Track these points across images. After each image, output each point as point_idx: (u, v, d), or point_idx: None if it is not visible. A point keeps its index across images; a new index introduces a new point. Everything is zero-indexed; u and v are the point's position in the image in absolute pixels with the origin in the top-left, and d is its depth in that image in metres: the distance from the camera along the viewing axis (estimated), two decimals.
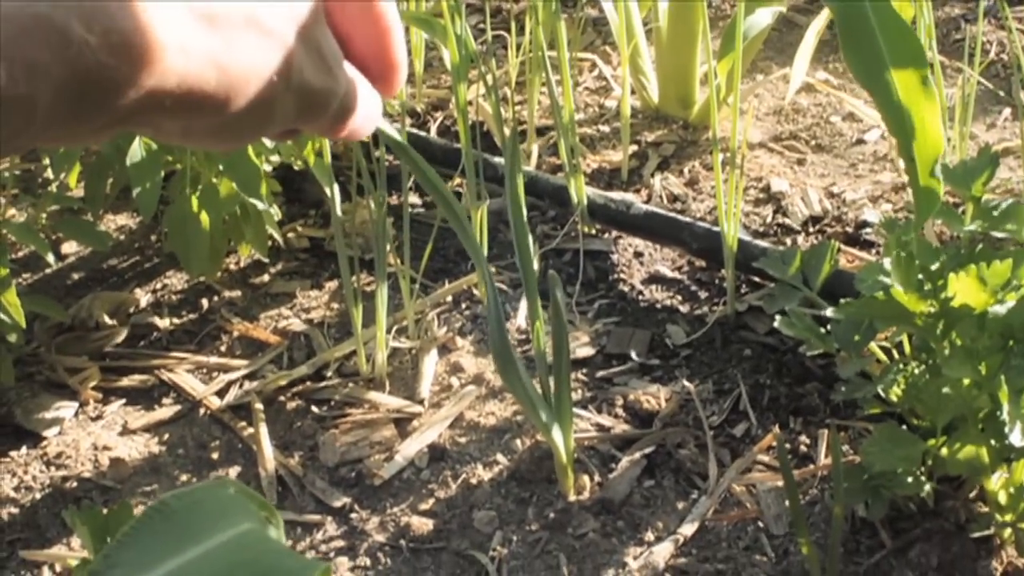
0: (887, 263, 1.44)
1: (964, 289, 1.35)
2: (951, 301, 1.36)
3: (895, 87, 1.48)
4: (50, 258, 1.85)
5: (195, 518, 0.91)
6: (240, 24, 0.50)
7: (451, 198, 1.31)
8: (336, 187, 1.76)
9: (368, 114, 0.62)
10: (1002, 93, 2.43)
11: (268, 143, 1.75)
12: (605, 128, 2.41)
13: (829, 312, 1.49)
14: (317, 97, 0.57)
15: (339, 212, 1.76)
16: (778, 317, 1.58)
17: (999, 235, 1.62)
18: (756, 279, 1.95)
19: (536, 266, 1.71)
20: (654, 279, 2.02)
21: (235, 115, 0.52)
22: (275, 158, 1.89)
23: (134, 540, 0.86)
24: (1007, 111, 2.41)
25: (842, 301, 1.44)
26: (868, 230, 2.07)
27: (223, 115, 0.52)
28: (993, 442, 1.44)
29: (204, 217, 1.84)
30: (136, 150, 1.77)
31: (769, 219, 2.13)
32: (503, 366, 1.48)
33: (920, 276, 1.40)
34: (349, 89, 0.59)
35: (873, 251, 2.02)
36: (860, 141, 2.36)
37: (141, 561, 0.85)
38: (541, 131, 2.35)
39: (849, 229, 2.09)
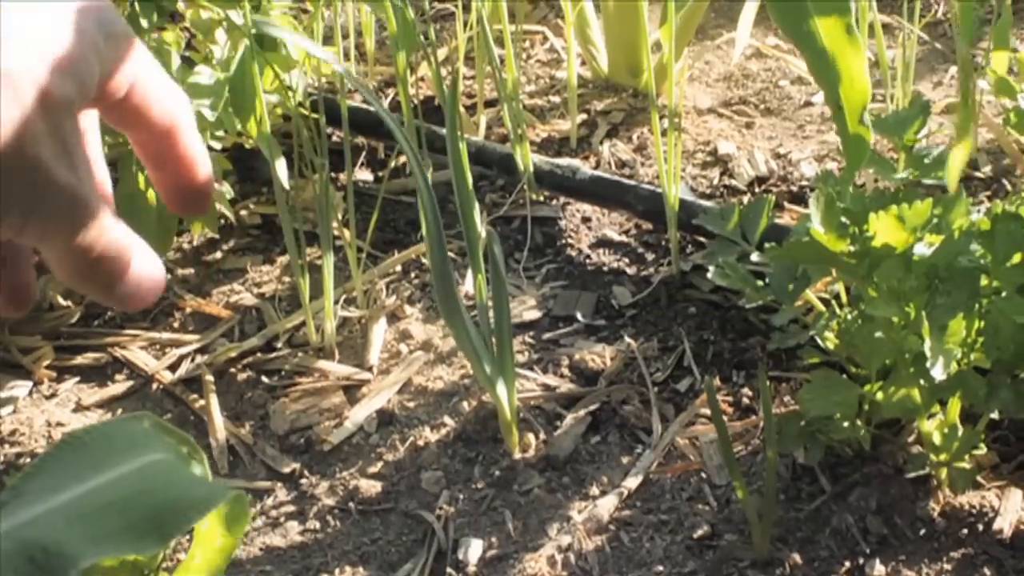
0: (812, 209, 1.46)
1: (885, 228, 1.37)
2: (872, 241, 1.38)
3: (819, 35, 1.50)
4: None
5: (105, 449, 0.91)
6: None
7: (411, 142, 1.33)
8: (282, 161, 1.78)
9: (150, 275, 0.56)
10: (949, 52, 2.45)
11: (208, 114, 1.77)
12: (555, 99, 2.43)
13: (754, 257, 1.51)
14: (52, 188, 0.50)
15: (284, 183, 1.78)
16: (712, 268, 1.60)
17: (930, 182, 1.64)
18: (702, 239, 1.97)
19: (482, 234, 1.73)
20: (601, 243, 2.04)
21: None
22: (221, 133, 1.91)
23: (42, 471, 0.86)
24: (952, 69, 2.43)
25: (767, 246, 1.46)
26: (812, 191, 2.09)
27: None
28: (924, 383, 1.46)
29: (151, 195, 1.85)
30: None
31: (716, 181, 2.15)
32: (449, 314, 1.51)
33: (844, 219, 1.43)
34: (104, 220, 0.53)
35: None
36: (808, 104, 2.38)
37: (46, 489, 0.85)
38: (491, 103, 2.36)
39: (794, 188, 2.12)
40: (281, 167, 1.77)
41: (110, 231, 0.54)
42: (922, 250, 1.43)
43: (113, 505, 0.88)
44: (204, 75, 1.82)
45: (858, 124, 1.62)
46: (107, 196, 0.58)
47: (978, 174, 2.11)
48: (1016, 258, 1.42)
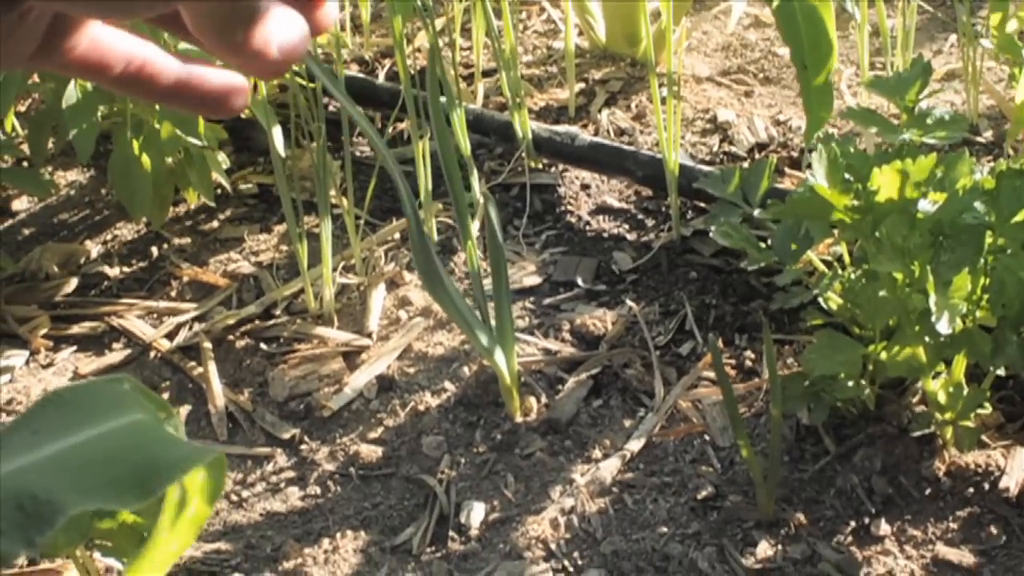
0: (815, 166, 1.45)
1: (888, 183, 1.36)
2: (876, 195, 1.37)
3: None
4: None
5: (86, 408, 0.92)
6: None
7: (372, 131, 1.31)
8: (278, 129, 1.77)
9: (289, 40, 0.49)
10: (949, 20, 2.44)
11: None
12: (553, 69, 2.41)
13: (756, 213, 1.50)
14: None
15: (281, 151, 1.76)
16: (714, 227, 1.59)
17: (932, 142, 1.63)
18: (702, 205, 1.95)
19: (480, 199, 1.71)
20: (601, 210, 2.02)
21: None
22: None
23: (24, 427, 0.87)
24: (953, 37, 2.42)
25: (770, 202, 1.45)
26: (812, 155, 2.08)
27: None
28: (929, 340, 1.45)
29: (146, 160, 1.84)
30: (71, 92, 1.77)
31: (716, 148, 2.14)
32: (431, 284, 1.50)
33: (847, 176, 1.41)
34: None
35: None
36: None
37: (30, 443, 0.86)
38: (488, 73, 2.35)
39: (794, 154, 2.10)
40: (278, 135, 1.76)
41: (277, 32, 0.48)
42: (926, 207, 1.42)
43: (98, 459, 0.88)
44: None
45: (822, 82, 1.61)
46: None
47: (979, 139, 2.10)
48: (1021, 215, 1.41)
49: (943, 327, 1.33)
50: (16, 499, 0.81)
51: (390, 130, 2.15)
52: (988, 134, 2.12)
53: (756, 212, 1.55)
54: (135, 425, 0.93)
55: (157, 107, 1.80)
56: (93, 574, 1.42)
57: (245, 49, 0.47)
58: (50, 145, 1.96)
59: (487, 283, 1.61)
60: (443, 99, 2.09)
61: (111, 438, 0.90)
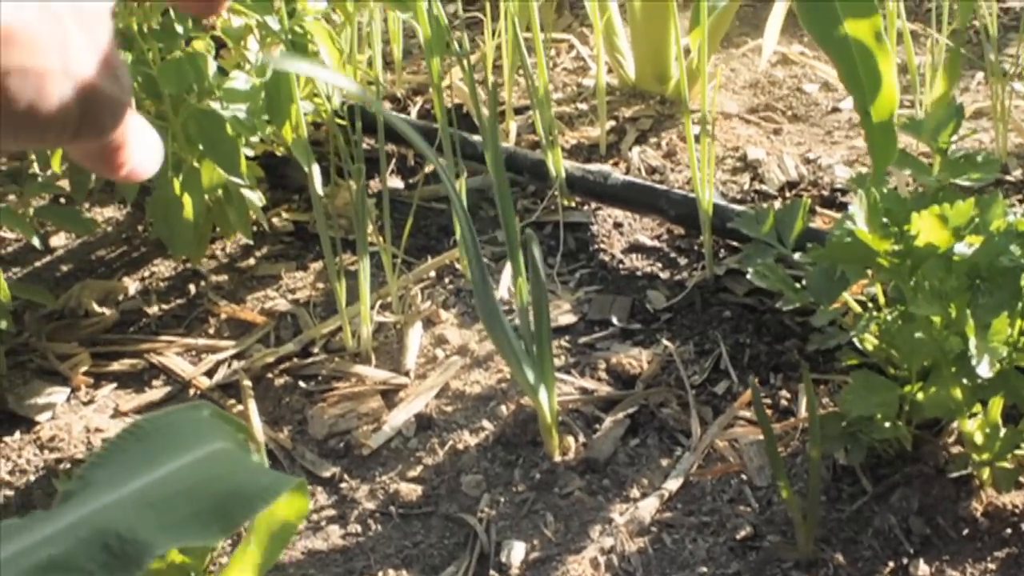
0: (854, 210, 1.46)
1: (927, 228, 1.38)
2: (915, 240, 1.38)
3: (850, 42, 1.51)
4: (35, 242, 1.88)
5: (168, 439, 0.92)
6: None
7: (432, 155, 1.33)
8: (316, 168, 1.79)
9: (150, 151, 0.60)
10: (976, 58, 2.46)
11: (240, 114, 1.78)
12: (583, 106, 2.43)
13: (797, 256, 1.52)
14: (104, 97, 0.54)
15: (319, 191, 1.79)
16: (751, 269, 1.61)
17: (965, 184, 1.65)
18: (735, 243, 1.97)
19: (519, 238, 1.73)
20: (634, 248, 2.04)
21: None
22: (255, 139, 1.92)
23: (107, 461, 0.87)
24: (980, 75, 2.44)
25: (809, 247, 1.47)
26: (844, 194, 2.10)
27: None
28: (966, 381, 1.46)
29: (187, 200, 1.86)
30: None
31: (746, 186, 2.16)
32: (488, 319, 1.52)
33: (885, 220, 1.43)
34: (130, 117, 0.58)
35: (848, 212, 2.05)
36: (835, 109, 2.39)
37: (113, 479, 0.86)
38: (519, 111, 2.37)
39: (825, 192, 2.12)
40: (316, 175, 1.78)
41: (133, 126, 0.59)
42: (963, 250, 1.43)
43: (181, 494, 0.88)
44: (240, 80, 1.83)
45: (886, 129, 1.63)
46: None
47: (1008, 178, 2.12)
48: None
49: (984, 371, 1.35)
50: (102, 539, 0.82)
51: (425, 168, 2.17)
52: (1017, 173, 2.13)
53: (796, 256, 1.57)
54: (216, 454, 0.93)
55: (200, 147, 1.82)
56: None
57: (116, 170, 0.58)
58: (91, 182, 1.98)
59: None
60: (477, 138, 2.12)
61: (193, 469, 0.90)
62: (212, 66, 1.83)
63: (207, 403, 1.00)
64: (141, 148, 0.60)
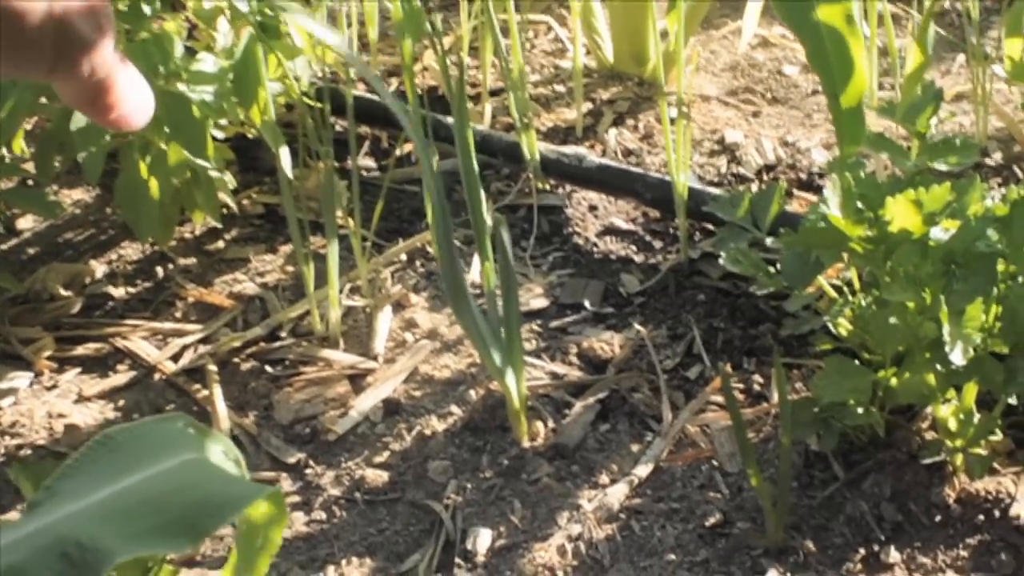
0: (827, 195, 1.44)
1: (902, 213, 1.35)
2: (889, 226, 1.36)
3: (819, 24, 1.48)
4: None
5: (138, 449, 0.91)
6: None
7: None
8: (286, 150, 1.76)
9: (140, 101, 0.64)
10: (958, 41, 2.43)
11: (207, 97, 1.75)
12: (560, 88, 2.40)
13: (769, 242, 1.49)
14: (77, 36, 0.58)
15: (288, 172, 1.75)
16: (723, 254, 1.58)
17: (944, 168, 1.62)
18: (710, 227, 1.95)
19: (488, 222, 1.70)
20: (608, 231, 2.02)
21: None
22: (224, 122, 1.89)
23: (76, 471, 0.86)
24: (961, 57, 2.41)
25: (782, 231, 1.44)
26: (822, 177, 2.07)
27: None
28: (940, 368, 1.44)
29: (154, 183, 1.83)
30: (80, 116, 1.76)
31: (724, 169, 2.13)
32: (456, 302, 1.49)
33: (860, 205, 1.41)
34: (113, 63, 0.61)
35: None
36: (815, 92, 2.36)
37: (80, 489, 0.85)
38: (495, 93, 2.34)
39: (803, 176, 2.10)
40: (285, 156, 1.75)
41: (124, 73, 0.63)
42: (938, 235, 1.41)
43: (147, 503, 0.87)
44: (207, 63, 1.80)
45: (854, 113, 1.60)
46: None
47: (988, 161, 2.10)
48: None
49: (957, 358, 1.33)
50: (62, 547, 0.80)
51: (396, 151, 2.14)
52: (997, 156, 2.11)
53: (768, 241, 1.54)
54: (187, 465, 0.92)
55: (166, 129, 1.79)
56: None
57: (104, 113, 0.63)
58: (56, 164, 1.95)
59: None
60: (451, 120, 2.09)
61: (162, 480, 0.89)
62: (179, 48, 1.80)
63: (183, 414, 0.99)
64: (131, 96, 0.64)
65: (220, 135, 1.93)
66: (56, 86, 0.62)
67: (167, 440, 0.96)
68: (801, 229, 1.44)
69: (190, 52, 1.85)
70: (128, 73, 0.63)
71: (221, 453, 1.02)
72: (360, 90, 2.31)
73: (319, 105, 1.87)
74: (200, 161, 1.80)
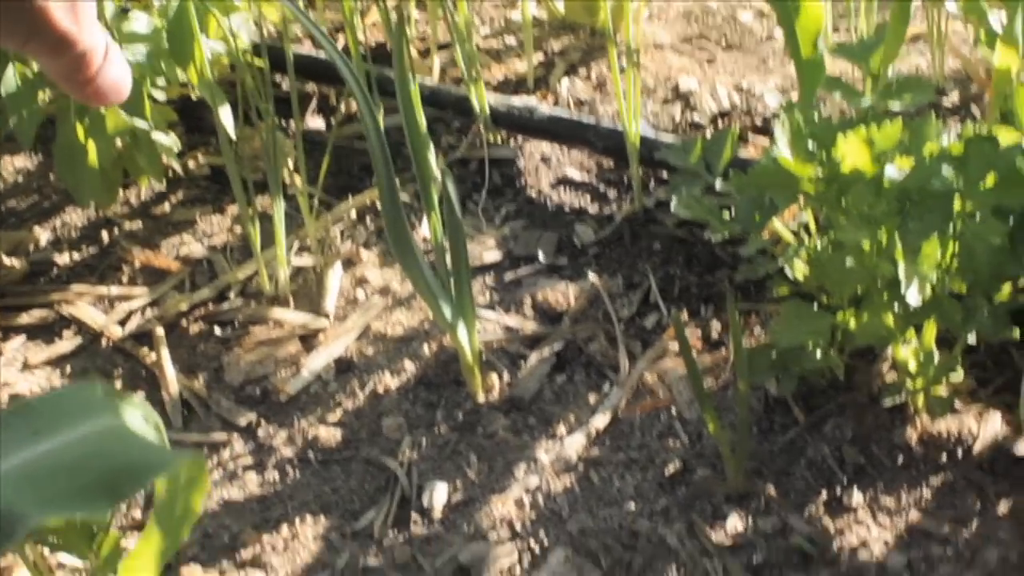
0: (777, 135, 1.41)
1: (853, 151, 1.33)
2: (841, 165, 1.33)
3: None
4: None
5: (55, 415, 0.90)
6: None
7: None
8: (227, 108, 1.72)
9: (118, 77, 0.67)
10: None
11: (141, 57, 1.70)
12: (511, 40, 2.37)
13: (718, 184, 1.46)
14: (53, 9, 0.61)
15: (230, 131, 1.71)
16: (674, 199, 1.55)
17: (898, 108, 1.59)
18: (665, 176, 1.92)
19: (437, 175, 1.67)
20: (562, 182, 1.98)
21: None
22: (162, 82, 1.84)
23: None
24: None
25: (732, 172, 1.42)
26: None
27: None
28: (898, 308, 1.41)
29: (92, 146, 1.79)
30: (10, 79, 1.72)
31: (678, 117, 2.10)
32: (402, 255, 1.46)
33: (811, 145, 1.38)
34: (92, 38, 0.65)
35: None
36: (770, 37, 2.33)
37: None
38: (445, 46, 2.30)
39: (758, 121, 2.07)
40: (226, 114, 1.71)
41: (97, 52, 0.66)
42: (892, 174, 1.38)
43: (63, 468, 0.86)
44: (140, 22, 1.75)
45: (812, 49, 1.58)
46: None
47: (945, 102, 2.07)
48: (990, 180, 1.37)
49: (912, 297, 1.30)
50: None
51: (342, 107, 2.10)
52: (954, 96, 2.09)
53: (717, 183, 1.51)
54: (105, 431, 0.91)
55: None
56: (44, 571, 1.38)
57: (81, 87, 0.66)
58: None
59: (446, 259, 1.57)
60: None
61: (79, 445, 0.88)
62: (110, 8, 1.75)
63: (101, 382, 0.98)
64: (109, 71, 0.66)
65: (162, 96, 1.88)
66: (34, 57, 0.65)
67: (85, 407, 0.95)
68: (751, 170, 1.40)
69: (123, 11, 1.80)
70: (107, 48, 0.65)
71: (141, 419, 1.00)
72: (308, 49, 2.27)
73: (260, 63, 1.82)
74: (138, 122, 1.75)
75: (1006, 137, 1.37)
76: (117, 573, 1.25)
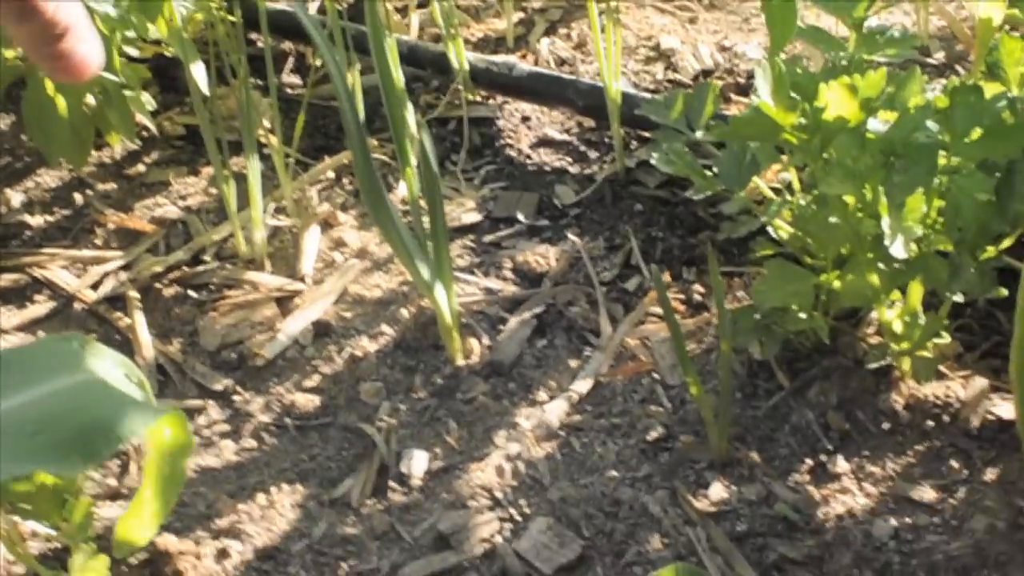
0: (758, 83, 1.37)
1: (837, 100, 1.30)
2: (824, 113, 1.30)
3: None
4: None
5: (29, 369, 0.89)
6: None
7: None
8: (201, 65, 1.68)
9: (88, 53, 0.67)
10: None
11: (109, 9, 1.66)
12: None
13: (699, 135, 1.44)
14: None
15: (203, 88, 1.68)
16: (655, 154, 1.52)
17: (882, 60, 1.56)
18: (646, 135, 1.89)
19: (416, 133, 1.64)
20: (542, 142, 1.95)
21: None
22: (131, 32, 1.80)
23: None
24: None
25: (712, 123, 1.39)
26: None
27: None
28: (883, 266, 1.39)
29: (61, 102, 1.75)
30: None
31: (660, 76, 2.07)
32: (377, 214, 1.43)
33: (793, 95, 1.35)
34: (68, 12, 0.65)
35: None
36: None
37: None
38: (424, 4, 2.26)
39: (741, 80, 2.03)
40: (198, 70, 1.67)
41: (81, 45, 0.66)
42: (877, 126, 1.35)
43: (38, 423, 0.85)
44: None
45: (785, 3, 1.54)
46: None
47: (930, 60, 2.04)
48: (976, 133, 1.34)
49: (897, 251, 1.27)
50: None
51: (318, 63, 2.06)
52: (939, 55, 2.06)
53: (699, 134, 1.48)
54: (82, 386, 0.90)
55: None
56: (16, 538, 1.35)
57: (55, 60, 0.66)
58: None
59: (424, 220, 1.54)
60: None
61: (54, 400, 0.86)
62: None
63: (78, 334, 0.96)
64: (81, 46, 0.66)
65: (136, 54, 1.84)
66: (7, 28, 0.64)
67: (61, 360, 0.93)
68: (733, 121, 1.37)
69: None
70: (78, 22, 0.65)
71: (122, 375, 0.98)
72: (281, 4, 2.23)
73: (232, 18, 1.78)
74: (109, 75, 1.71)
75: (992, 89, 1.34)
76: (94, 539, 1.23)
